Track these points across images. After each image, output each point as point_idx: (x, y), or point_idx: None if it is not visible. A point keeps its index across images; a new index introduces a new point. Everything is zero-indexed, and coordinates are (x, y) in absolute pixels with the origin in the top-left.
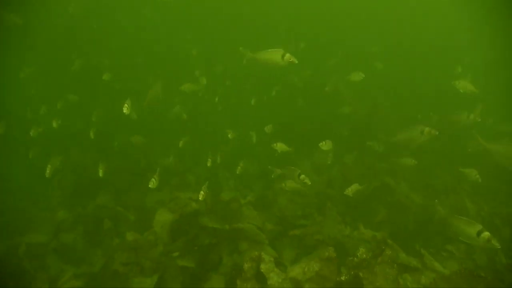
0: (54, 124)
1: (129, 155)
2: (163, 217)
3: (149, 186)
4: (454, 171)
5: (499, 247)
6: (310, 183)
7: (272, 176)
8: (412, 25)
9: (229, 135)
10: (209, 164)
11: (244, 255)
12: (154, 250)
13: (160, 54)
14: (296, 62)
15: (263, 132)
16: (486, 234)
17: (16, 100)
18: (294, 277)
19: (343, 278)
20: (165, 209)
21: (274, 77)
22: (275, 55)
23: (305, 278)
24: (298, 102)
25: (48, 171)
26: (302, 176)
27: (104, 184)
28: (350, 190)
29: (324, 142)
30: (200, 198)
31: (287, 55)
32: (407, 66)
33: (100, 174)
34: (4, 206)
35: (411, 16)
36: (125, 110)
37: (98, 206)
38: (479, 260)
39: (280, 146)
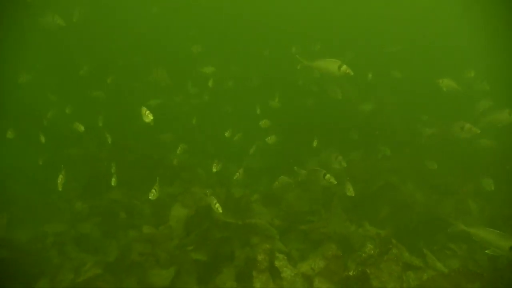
0: (81, 128)
1: (141, 151)
2: (178, 212)
3: (149, 197)
4: (457, 172)
5: None
6: (336, 183)
7: (299, 179)
8: (418, 25)
9: (226, 134)
10: (214, 169)
11: (256, 248)
12: (169, 243)
13: (163, 51)
14: (352, 74)
15: (267, 130)
16: None
17: (36, 97)
18: (304, 272)
19: (351, 273)
20: (179, 204)
21: (279, 79)
22: (332, 66)
23: (314, 273)
24: (307, 102)
25: (59, 182)
26: (328, 176)
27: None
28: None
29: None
30: (220, 211)
31: (344, 66)
32: (411, 66)
33: (113, 183)
34: (24, 197)
35: (417, 16)
36: (146, 119)
37: (112, 200)
38: (481, 260)
39: (270, 139)
